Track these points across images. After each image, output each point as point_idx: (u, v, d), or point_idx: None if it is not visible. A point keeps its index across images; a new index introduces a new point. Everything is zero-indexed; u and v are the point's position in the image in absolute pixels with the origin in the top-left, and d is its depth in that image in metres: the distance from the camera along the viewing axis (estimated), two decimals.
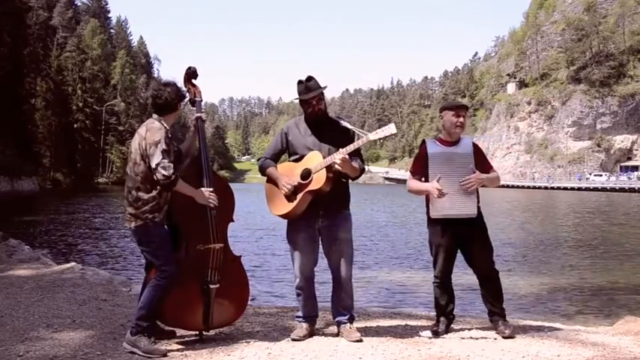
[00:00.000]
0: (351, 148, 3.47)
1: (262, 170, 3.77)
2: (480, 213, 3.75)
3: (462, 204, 3.66)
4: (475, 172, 3.66)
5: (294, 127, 3.73)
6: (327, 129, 3.64)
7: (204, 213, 3.42)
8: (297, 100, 3.66)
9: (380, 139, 3.51)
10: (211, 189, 3.45)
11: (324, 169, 3.46)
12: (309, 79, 3.60)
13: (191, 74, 3.74)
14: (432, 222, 3.79)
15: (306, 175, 3.52)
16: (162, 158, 3.21)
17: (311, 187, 3.48)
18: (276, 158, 3.77)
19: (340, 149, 3.45)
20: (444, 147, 3.77)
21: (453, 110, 3.77)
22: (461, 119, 3.74)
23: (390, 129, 3.43)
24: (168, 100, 3.43)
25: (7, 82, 40.69)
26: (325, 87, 3.62)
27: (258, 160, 3.86)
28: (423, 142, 3.88)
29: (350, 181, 3.69)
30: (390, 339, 3.58)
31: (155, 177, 3.23)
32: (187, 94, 3.72)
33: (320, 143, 3.60)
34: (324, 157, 3.50)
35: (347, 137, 3.59)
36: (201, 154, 3.57)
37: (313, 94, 3.57)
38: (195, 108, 3.72)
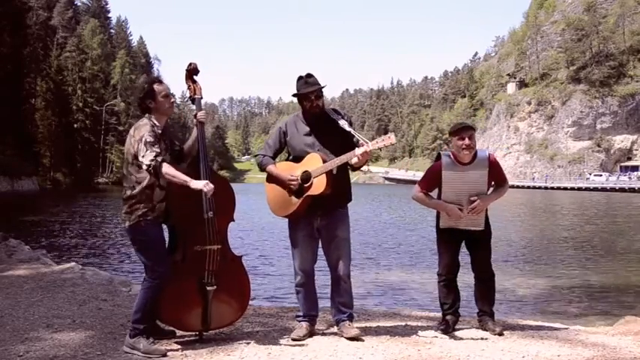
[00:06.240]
0: (343, 159, 3.44)
1: (262, 167, 3.75)
2: (487, 224, 3.87)
3: (471, 219, 3.75)
4: (477, 200, 3.69)
5: (292, 125, 3.71)
6: (327, 129, 3.61)
7: (202, 214, 3.39)
8: (296, 97, 3.65)
9: (379, 148, 3.45)
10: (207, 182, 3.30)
11: (324, 174, 3.45)
12: (309, 75, 3.62)
13: (192, 71, 3.66)
14: (440, 230, 3.92)
15: (306, 178, 3.50)
16: (147, 150, 3.22)
17: (311, 192, 3.48)
18: (274, 156, 3.75)
19: (348, 153, 3.43)
20: (457, 168, 3.74)
21: (456, 135, 3.74)
22: (466, 141, 3.68)
23: (391, 139, 3.39)
24: (139, 102, 3.44)
25: (7, 82, 40.68)
26: (325, 85, 3.63)
27: (256, 156, 3.85)
28: (439, 156, 3.85)
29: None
30: (390, 339, 3.59)
31: (143, 168, 3.24)
32: (188, 92, 3.67)
33: (319, 144, 3.60)
34: (323, 160, 3.48)
35: (347, 140, 3.54)
36: (199, 154, 3.52)
37: (311, 89, 3.56)
38: (195, 106, 3.66)
